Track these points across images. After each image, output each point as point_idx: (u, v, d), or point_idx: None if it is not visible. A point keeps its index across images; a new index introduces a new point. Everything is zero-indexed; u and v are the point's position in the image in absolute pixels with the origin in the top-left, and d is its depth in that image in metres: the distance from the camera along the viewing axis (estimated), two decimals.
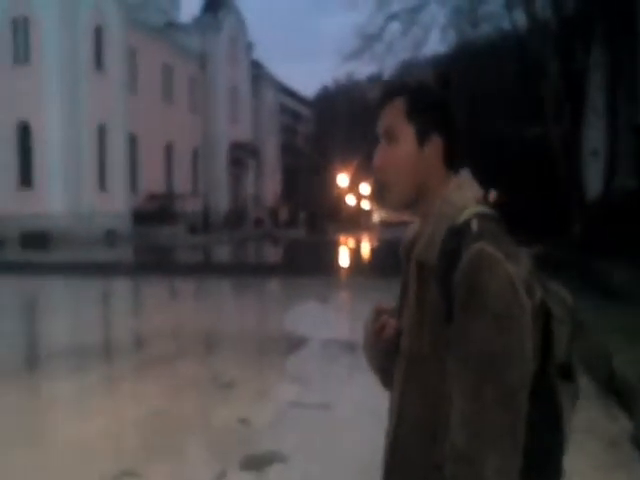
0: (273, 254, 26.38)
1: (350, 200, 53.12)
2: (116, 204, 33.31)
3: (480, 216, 1.15)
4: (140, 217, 34.42)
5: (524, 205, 21.59)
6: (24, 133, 31.21)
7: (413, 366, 1.21)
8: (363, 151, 41.06)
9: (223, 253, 26.85)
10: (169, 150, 42.41)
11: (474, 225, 1.13)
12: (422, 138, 1.21)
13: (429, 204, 1.23)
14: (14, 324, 10.70)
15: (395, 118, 1.22)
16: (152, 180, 39.13)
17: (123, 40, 34.95)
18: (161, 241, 29.83)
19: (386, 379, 1.37)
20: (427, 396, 1.18)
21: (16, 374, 7.03)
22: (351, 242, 31.47)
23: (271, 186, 57.12)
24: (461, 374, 1.08)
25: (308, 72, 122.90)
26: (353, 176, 47.56)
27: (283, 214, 48.38)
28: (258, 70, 54.86)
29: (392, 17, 17.88)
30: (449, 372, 1.11)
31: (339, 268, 18.11)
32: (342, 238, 33.44)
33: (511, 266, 1.08)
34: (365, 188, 52.69)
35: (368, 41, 17.98)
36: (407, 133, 1.21)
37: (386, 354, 1.32)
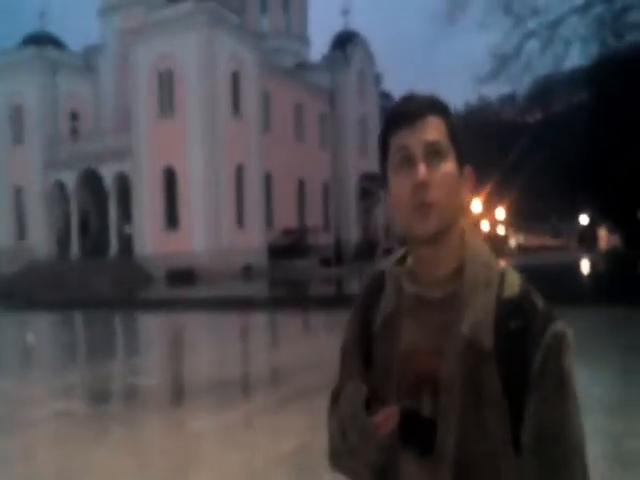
0: None
1: (484, 226, 51.44)
2: (253, 240, 34.69)
3: (530, 285, 1.08)
4: (275, 252, 35.54)
5: None
6: (170, 178, 33.60)
7: (469, 466, 1.04)
8: (497, 174, 39.69)
9: (355, 285, 26.83)
10: (301, 185, 43.66)
11: (539, 301, 1.05)
12: (461, 164, 1.09)
13: (450, 241, 1.09)
14: (161, 358, 11.27)
15: (440, 135, 1.07)
16: (285, 215, 40.41)
17: (258, 84, 36.75)
18: (295, 274, 30.48)
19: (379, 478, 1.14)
20: None
21: (163, 407, 7.32)
22: None
23: None
24: (557, 471, 1.01)
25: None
26: (486, 201, 46.03)
27: None
28: (386, 100, 55.28)
29: (529, 34, 17.20)
30: (531, 462, 1.02)
31: None
32: None
33: None
34: (500, 213, 50.82)
35: (504, 61, 17.40)
36: (451, 154, 1.07)
37: (385, 449, 1.10)
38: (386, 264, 1.23)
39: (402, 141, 1.07)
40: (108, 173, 35.98)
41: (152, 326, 17.00)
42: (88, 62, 41.34)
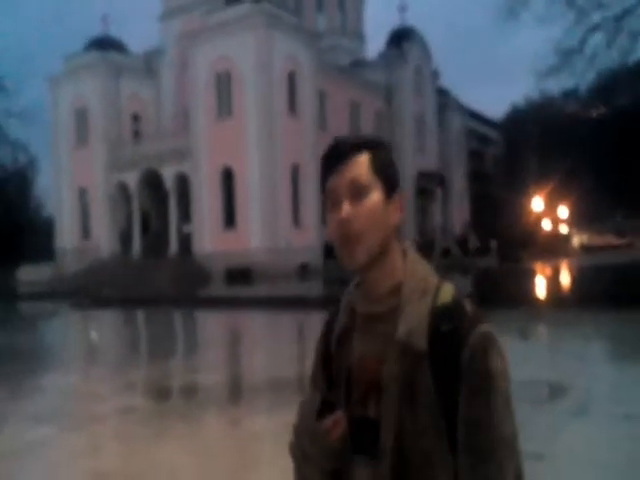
0: (463, 285, 25.54)
1: (546, 225, 50.03)
2: (309, 239, 34.85)
3: (462, 295, 1.16)
4: (330, 250, 35.52)
5: None
6: (228, 178, 34.14)
7: (407, 462, 1.11)
8: (559, 171, 38.56)
9: None
10: None
11: (468, 306, 1.14)
12: (389, 193, 1.18)
13: (387, 263, 1.19)
14: (220, 356, 11.45)
15: (364, 172, 1.16)
16: None
17: (314, 83, 36.88)
18: (350, 273, 30.42)
19: None
20: None
21: (222, 406, 7.43)
22: (549, 270, 29.46)
23: (459, 214, 56.02)
24: (485, 459, 1.06)
25: (496, 93, 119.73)
26: (549, 198, 44.77)
27: (472, 243, 46.87)
28: (444, 97, 54.55)
29: (593, 28, 16.65)
30: (462, 455, 1.08)
31: (536, 299, 16.94)
32: (538, 266, 31.47)
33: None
34: (563, 211, 49.34)
35: (567, 56, 16.90)
36: (376, 187, 1.16)
37: (336, 455, 1.18)
38: (347, 291, 1.34)
39: (331, 185, 1.18)
40: (168, 173, 36.86)
41: (210, 324, 17.32)
42: (149, 65, 42.44)
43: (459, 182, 56.99)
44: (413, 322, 1.13)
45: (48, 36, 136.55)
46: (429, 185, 49.39)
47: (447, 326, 1.11)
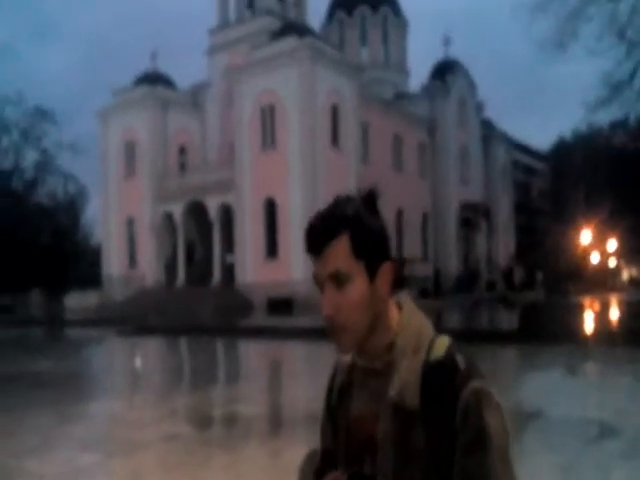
0: (508, 319, 25.06)
1: (594, 258, 48.81)
2: None
3: (456, 349, 1.14)
4: None
5: None
6: (270, 209, 34.56)
7: None
8: (608, 203, 37.73)
9: (454, 318, 26.22)
10: (399, 216, 43.48)
11: (461, 362, 1.11)
12: (373, 272, 1.15)
13: (382, 331, 1.18)
14: (261, 387, 11.47)
15: (343, 259, 1.13)
16: None
17: (357, 116, 37.24)
18: None
19: None
20: None
21: (263, 437, 7.43)
22: (597, 305, 28.68)
23: (504, 246, 55.19)
24: None
25: (541, 124, 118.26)
26: (597, 231, 43.77)
27: (518, 275, 46.06)
28: (488, 128, 54.28)
29: None
30: None
31: (584, 335, 16.49)
32: (586, 300, 30.68)
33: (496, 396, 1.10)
34: (612, 245, 48.08)
35: (616, 88, 16.66)
36: (358, 271, 1.14)
37: None
38: None
39: (315, 271, 1.16)
40: (213, 204, 37.54)
41: (252, 354, 17.39)
42: (195, 99, 43.62)
43: (504, 213, 56.29)
44: (405, 379, 1.12)
45: (98, 71, 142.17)
46: (473, 216, 48.93)
47: (439, 382, 1.10)
